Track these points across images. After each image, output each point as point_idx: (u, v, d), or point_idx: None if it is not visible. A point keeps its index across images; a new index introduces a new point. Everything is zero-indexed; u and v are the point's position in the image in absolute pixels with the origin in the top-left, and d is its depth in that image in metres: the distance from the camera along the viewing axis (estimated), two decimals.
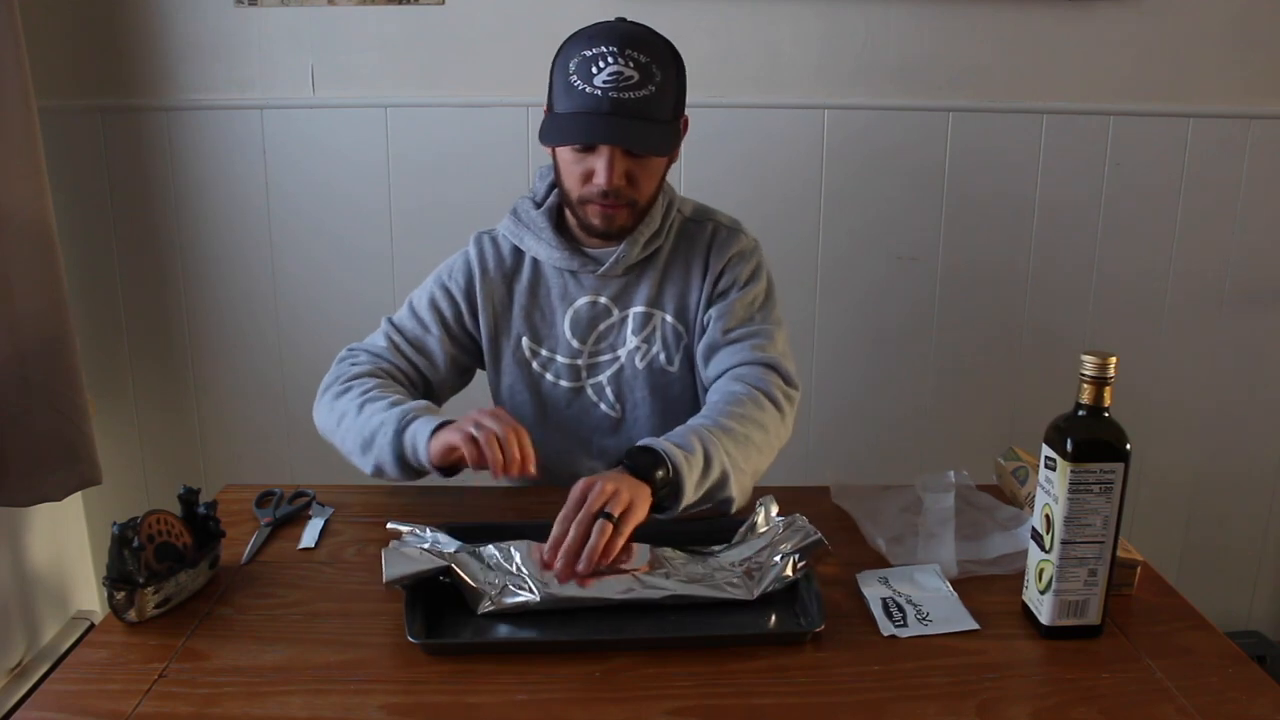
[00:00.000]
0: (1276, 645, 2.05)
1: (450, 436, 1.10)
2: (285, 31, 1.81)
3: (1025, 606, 0.97)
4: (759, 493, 1.10)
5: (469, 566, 0.97)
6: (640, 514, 1.01)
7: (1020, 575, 0.99)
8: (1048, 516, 0.92)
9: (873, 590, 1.01)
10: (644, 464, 1.05)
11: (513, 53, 1.81)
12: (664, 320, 1.31)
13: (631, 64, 1.14)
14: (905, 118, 1.85)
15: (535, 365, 1.33)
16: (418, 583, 0.96)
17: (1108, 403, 0.89)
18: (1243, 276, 1.93)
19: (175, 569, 0.97)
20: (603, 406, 1.34)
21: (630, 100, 1.14)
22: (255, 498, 1.22)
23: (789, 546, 0.99)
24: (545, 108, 1.22)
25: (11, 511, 1.71)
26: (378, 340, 1.32)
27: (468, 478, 1.19)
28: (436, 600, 0.96)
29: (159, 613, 0.96)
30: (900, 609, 0.97)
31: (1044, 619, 0.93)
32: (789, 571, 0.98)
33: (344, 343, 1.35)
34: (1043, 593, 0.93)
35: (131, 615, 0.95)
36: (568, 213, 1.29)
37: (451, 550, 0.99)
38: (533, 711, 0.83)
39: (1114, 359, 0.88)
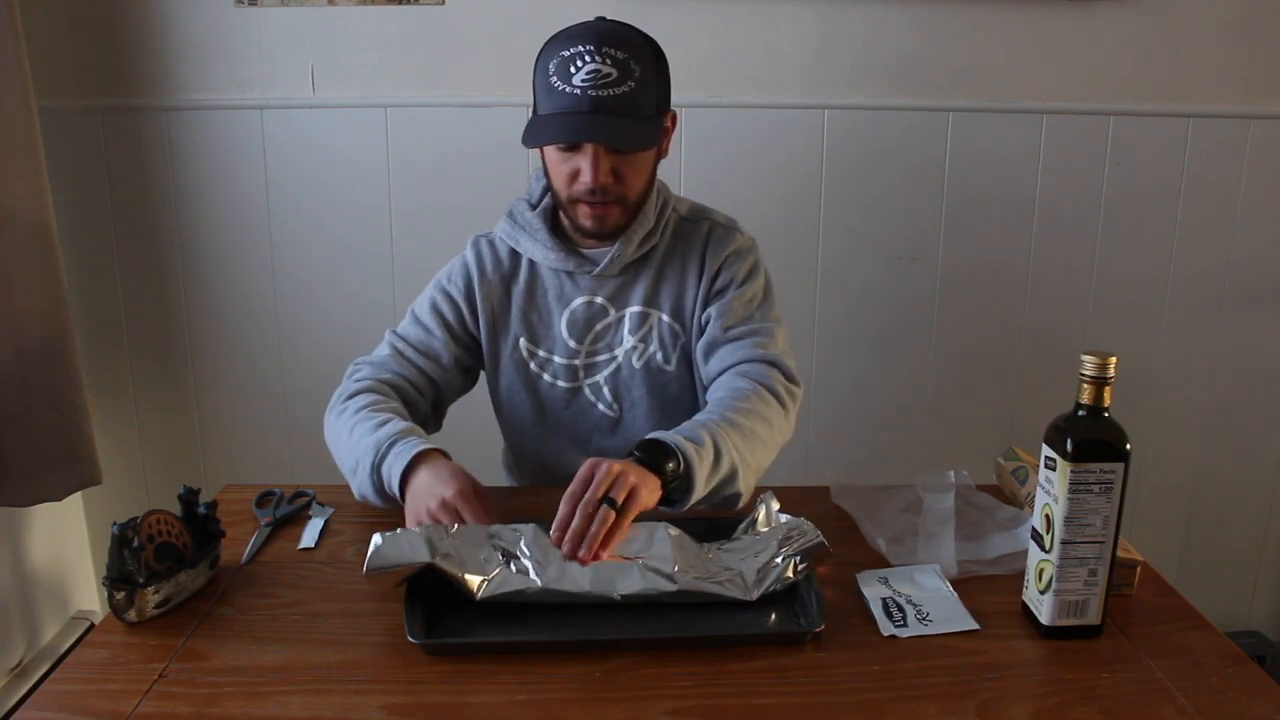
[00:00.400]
0: (1276, 645, 2.05)
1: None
2: (285, 31, 1.81)
3: (1025, 606, 0.97)
4: (759, 490, 1.10)
5: (457, 555, 0.96)
6: (645, 500, 1.00)
7: (1020, 575, 0.99)
8: (1048, 516, 0.92)
9: (873, 590, 1.01)
10: (654, 455, 1.04)
11: (513, 53, 1.80)
12: (661, 319, 1.31)
13: (609, 61, 1.15)
14: (905, 117, 1.85)
15: (533, 366, 1.33)
16: (417, 581, 0.96)
17: (1108, 403, 0.89)
18: (1243, 276, 1.93)
19: (175, 569, 0.97)
20: (600, 406, 1.34)
21: (609, 98, 1.15)
22: (255, 498, 1.22)
23: (791, 548, 0.99)
24: (531, 110, 1.23)
25: (11, 511, 1.71)
26: (381, 351, 1.32)
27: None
28: (436, 600, 0.96)
29: (159, 613, 0.96)
30: (900, 609, 0.97)
31: (1044, 619, 0.93)
32: (790, 573, 0.98)
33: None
34: (1043, 593, 0.93)
35: (131, 615, 0.95)
36: (561, 214, 1.30)
37: (448, 534, 0.98)
38: (533, 711, 0.83)
39: (1114, 359, 0.88)
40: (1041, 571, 0.93)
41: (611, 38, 1.16)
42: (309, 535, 1.14)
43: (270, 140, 1.85)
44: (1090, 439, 0.89)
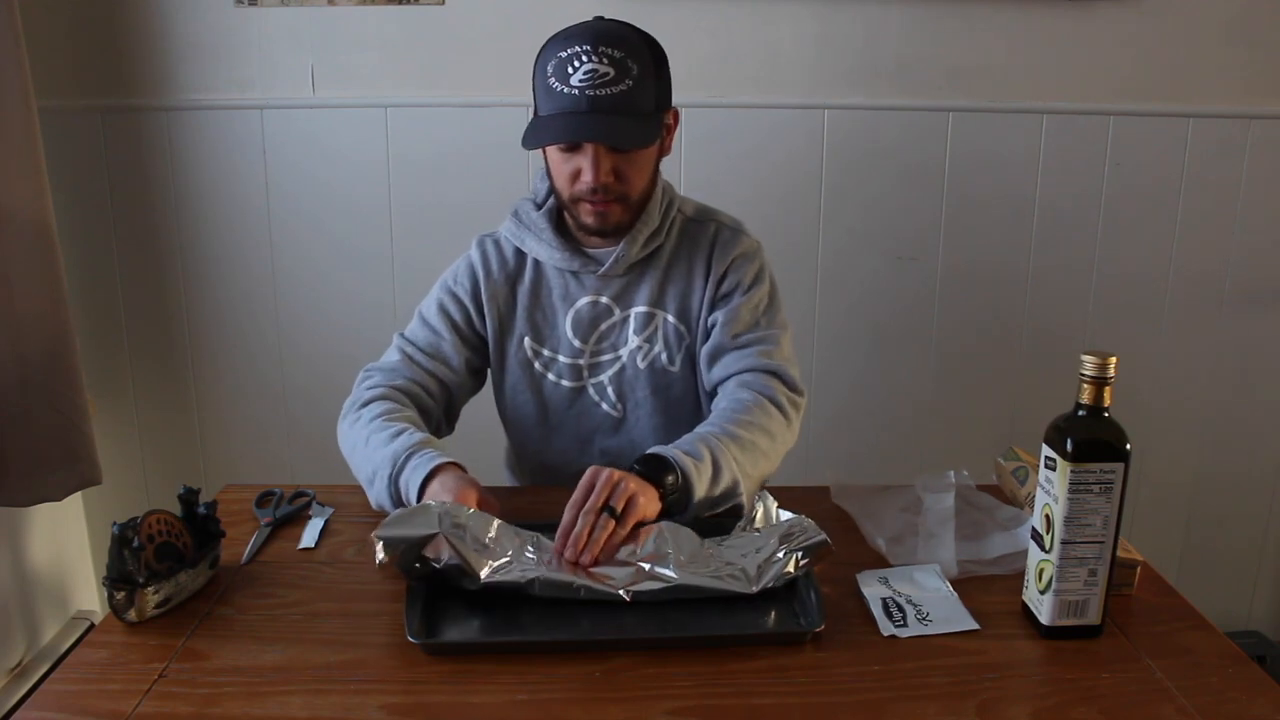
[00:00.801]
0: (1276, 645, 2.05)
1: None
2: (285, 31, 1.81)
3: (1025, 606, 0.97)
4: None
5: (469, 530, 0.97)
6: (644, 509, 1.02)
7: (1020, 575, 0.99)
8: (1048, 516, 0.92)
9: (873, 590, 1.01)
10: (654, 469, 1.07)
11: (513, 53, 1.80)
12: (666, 320, 1.31)
13: (606, 60, 1.15)
14: (905, 117, 1.85)
15: (537, 365, 1.33)
16: (418, 581, 0.96)
17: (1108, 403, 0.89)
18: (1243, 276, 1.93)
19: (175, 569, 0.97)
20: (604, 406, 1.34)
21: (607, 96, 1.15)
22: (255, 498, 1.22)
23: (792, 544, 0.99)
24: (531, 111, 1.23)
25: (11, 511, 1.71)
26: (391, 356, 1.32)
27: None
28: (436, 600, 0.96)
29: (159, 613, 0.96)
30: (900, 609, 0.97)
31: (1044, 619, 0.93)
32: (791, 568, 0.98)
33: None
34: (1043, 593, 0.93)
35: (131, 615, 0.95)
36: (565, 213, 1.30)
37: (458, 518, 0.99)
38: (533, 711, 0.83)
39: (1114, 359, 0.88)
40: (1041, 571, 0.93)
41: (608, 37, 1.16)
42: (309, 535, 1.14)
43: (270, 140, 1.85)
44: (1090, 439, 0.89)
